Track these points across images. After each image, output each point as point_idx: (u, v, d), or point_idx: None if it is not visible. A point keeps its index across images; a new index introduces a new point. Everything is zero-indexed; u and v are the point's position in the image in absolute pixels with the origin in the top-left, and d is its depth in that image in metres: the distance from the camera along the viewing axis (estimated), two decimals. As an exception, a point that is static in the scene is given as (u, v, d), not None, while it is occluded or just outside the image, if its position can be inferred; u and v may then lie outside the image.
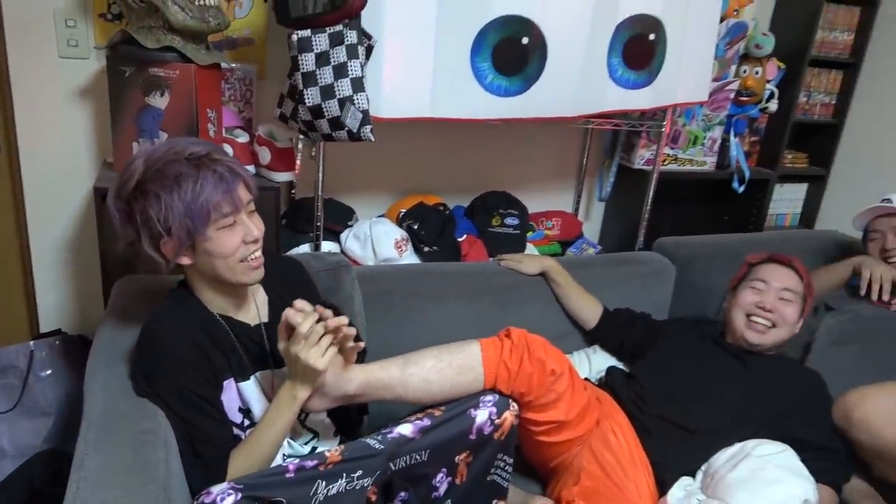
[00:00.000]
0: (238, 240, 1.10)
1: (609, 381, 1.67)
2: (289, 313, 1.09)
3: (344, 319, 1.12)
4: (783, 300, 1.64)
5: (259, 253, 1.14)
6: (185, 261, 1.11)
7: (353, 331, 1.14)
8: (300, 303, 1.11)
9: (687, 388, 1.58)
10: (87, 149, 1.89)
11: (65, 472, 0.92)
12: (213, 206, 1.05)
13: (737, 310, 1.68)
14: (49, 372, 1.78)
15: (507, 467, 1.31)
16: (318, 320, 1.10)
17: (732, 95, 2.48)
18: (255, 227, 1.12)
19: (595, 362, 1.81)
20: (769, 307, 1.63)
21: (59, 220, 1.94)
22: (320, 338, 1.09)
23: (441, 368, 1.24)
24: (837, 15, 2.69)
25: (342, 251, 1.97)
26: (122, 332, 1.26)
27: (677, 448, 1.47)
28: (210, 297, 1.18)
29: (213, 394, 1.13)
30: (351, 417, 1.38)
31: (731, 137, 2.57)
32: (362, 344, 1.19)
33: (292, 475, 1.04)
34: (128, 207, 1.08)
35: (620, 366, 1.80)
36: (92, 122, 1.87)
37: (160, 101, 1.59)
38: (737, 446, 1.41)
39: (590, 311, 1.84)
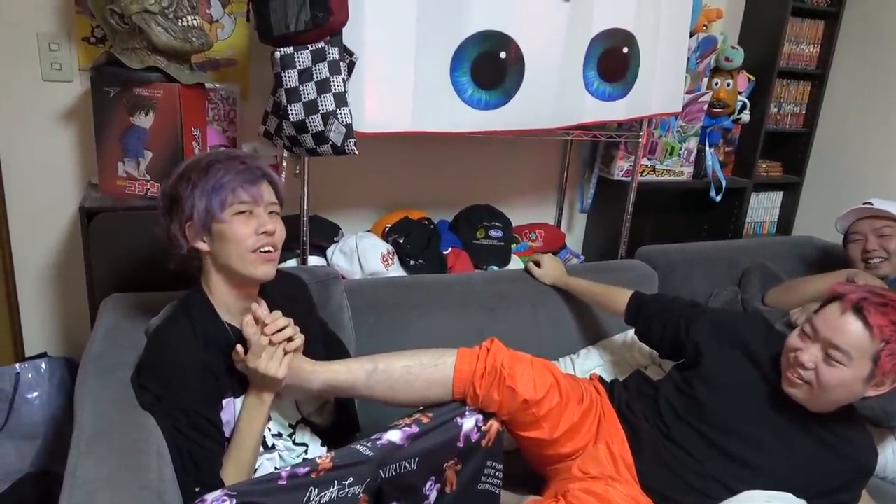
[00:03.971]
0: (251, 229, 1.16)
1: (628, 384, 1.54)
2: (245, 331, 1.14)
3: (287, 325, 1.17)
4: (828, 359, 1.26)
5: (274, 252, 1.20)
6: (202, 245, 1.17)
7: (301, 339, 1.19)
8: (257, 311, 1.15)
9: (717, 431, 1.37)
10: (72, 170, 1.90)
11: (54, 493, 0.93)
12: (230, 189, 1.14)
13: (784, 350, 1.36)
14: (35, 394, 1.77)
15: (497, 474, 1.31)
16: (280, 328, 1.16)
17: (706, 107, 2.55)
18: (270, 222, 1.18)
19: (579, 367, 1.83)
20: (805, 363, 1.28)
21: (43, 243, 1.94)
22: (276, 349, 1.14)
23: (410, 381, 1.25)
24: (802, 28, 2.78)
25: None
26: (112, 347, 1.26)
27: (677, 478, 1.36)
28: (221, 297, 1.21)
29: (216, 415, 1.16)
30: (342, 431, 1.39)
31: (707, 148, 2.64)
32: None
33: (284, 482, 1.04)
34: (172, 188, 1.17)
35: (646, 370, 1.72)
36: (76, 144, 1.88)
37: (145, 121, 1.61)
38: (744, 496, 1.29)
39: (617, 304, 1.69)
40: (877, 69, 2.69)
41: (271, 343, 1.15)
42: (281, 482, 1.04)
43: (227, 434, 1.19)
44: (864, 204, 2.06)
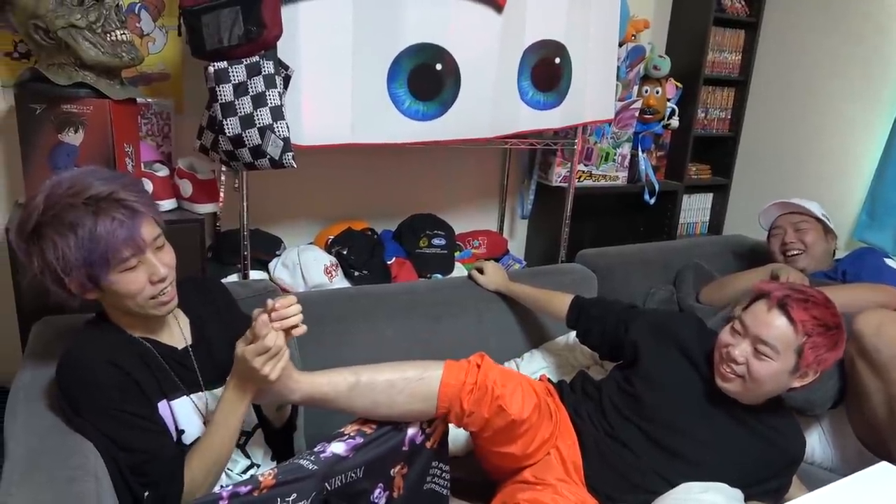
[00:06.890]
0: (143, 279, 1.08)
1: (574, 386, 1.58)
2: (258, 326, 1.07)
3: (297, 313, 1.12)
4: (758, 354, 1.33)
5: (170, 289, 1.12)
6: (93, 296, 1.09)
7: (300, 325, 1.13)
8: (276, 305, 1.08)
9: (658, 427, 1.42)
10: (-3, 190, 1.83)
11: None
12: (111, 253, 1.02)
13: (716, 347, 1.43)
14: (-38, 426, 1.68)
15: (444, 475, 1.33)
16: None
17: (637, 114, 2.64)
18: (161, 265, 1.09)
19: (524, 370, 1.87)
20: (737, 358, 1.35)
21: (-33, 267, 1.85)
22: (280, 353, 1.10)
23: (392, 395, 1.22)
24: (724, 37, 2.92)
25: (271, 280, 1.96)
26: (43, 373, 1.22)
27: (620, 478, 1.41)
28: (129, 322, 1.16)
29: (146, 410, 1.11)
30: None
31: (639, 153, 2.73)
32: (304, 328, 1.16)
33: (226, 502, 1.03)
34: (27, 247, 1.05)
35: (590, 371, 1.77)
36: (1, 163, 1.81)
37: (74, 138, 1.56)
38: (682, 487, 1.34)
39: (559, 308, 1.74)
40: (793, 74, 2.84)
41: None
42: (222, 502, 1.03)
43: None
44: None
